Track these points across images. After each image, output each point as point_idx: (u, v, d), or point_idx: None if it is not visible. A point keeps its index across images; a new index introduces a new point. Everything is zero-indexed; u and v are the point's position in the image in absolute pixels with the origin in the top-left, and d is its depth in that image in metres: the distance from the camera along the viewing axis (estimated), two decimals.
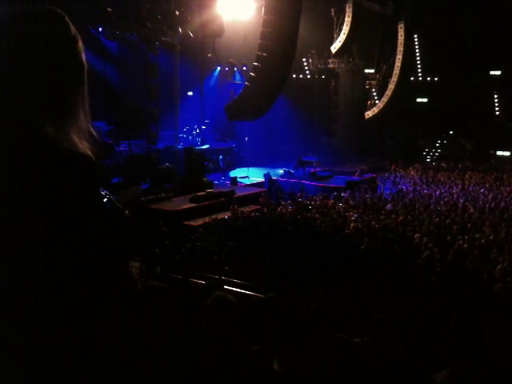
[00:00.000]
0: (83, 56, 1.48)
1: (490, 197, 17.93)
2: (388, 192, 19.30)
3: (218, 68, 25.88)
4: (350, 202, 16.80)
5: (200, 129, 23.80)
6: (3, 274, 1.27)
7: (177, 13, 18.40)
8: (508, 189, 19.87)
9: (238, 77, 25.74)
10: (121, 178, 16.64)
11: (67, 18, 1.46)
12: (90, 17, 16.10)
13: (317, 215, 14.14)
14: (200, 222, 14.63)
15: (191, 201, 16.56)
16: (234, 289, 7.81)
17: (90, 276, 1.35)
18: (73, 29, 1.46)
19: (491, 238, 11.89)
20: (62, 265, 1.30)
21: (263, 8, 17.25)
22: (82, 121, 1.45)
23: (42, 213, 1.28)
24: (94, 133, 1.48)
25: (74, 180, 1.33)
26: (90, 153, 1.40)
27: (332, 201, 17.13)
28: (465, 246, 10.92)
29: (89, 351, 1.35)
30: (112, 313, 1.48)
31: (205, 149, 22.55)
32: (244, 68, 24.49)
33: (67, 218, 1.31)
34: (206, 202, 16.63)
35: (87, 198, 1.37)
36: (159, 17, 18.06)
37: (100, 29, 17.75)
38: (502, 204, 16.44)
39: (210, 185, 18.87)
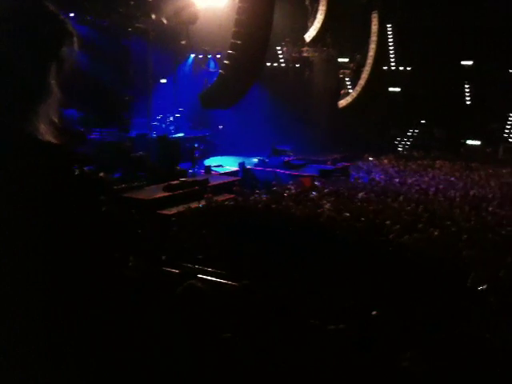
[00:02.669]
0: (64, 48, 1.45)
1: (460, 185, 18.28)
2: (361, 181, 19.49)
3: (192, 55, 25.65)
4: (325, 190, 16.93)
5: (174, 117, 23.61)
6: None
7: None
8: (477, 178, 20.28)
9: (212, 64, 25.58)
10: (92, 167, 16.42)
11: (51, 7, 1.43)
12: (61, 2, 15.74)
13: (290, 203, 14.22)
14: (174, 210, 14.56)
15: (165, 189, 16.46)
16: (209, 277, 7.82)
17: (79, 270, 1.33)
18: (58, 19, 1.43)
19: (461, 225, 12.17)
20: (50, 262, 1.28)
21: None
22: (53, 111, 1.42)
23: (21, 210, 1.26)
24: (63, 120, 1.46)
25: (51, 172, 1.31)
26: (61, 142, 1.39)
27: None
28: (435, 233, 11.13)
29: (88, 350, 1.34)
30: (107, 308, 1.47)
31: (179, 137, 22.42)
32: (218, 56, 24.35)
33: (48, 213, 1.29)
34: (179, 191, 16.54)
35: (65, 190, 1.35)
36: (132, 2, 17.79)
37: (71, 14, 17.39)
38: (472, 192, 16.79)
39: (184, 173, 18.78)
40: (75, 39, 1.48)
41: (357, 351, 3.86)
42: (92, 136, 18.97)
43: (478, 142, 30.02)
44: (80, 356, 1.31)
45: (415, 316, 6.09)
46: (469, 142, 30.30)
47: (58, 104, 1.43)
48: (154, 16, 18.61)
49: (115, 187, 15.68)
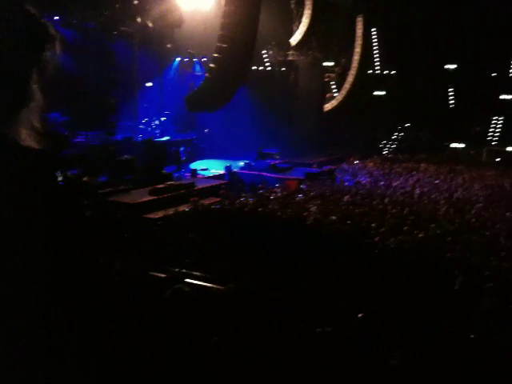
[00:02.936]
0: (46, 52, 1.43)
1: (444, 188, 18.44)
2: (346, 184, 19.58)
3: (178, 59, 25.61)
4: (312, 193, 16.97)
5: (159, 120, 23.55)
6: None
7: (135, 2, 18.11)
8: (461, 180, 20.48)
9: (197, 68, 25.59)
10: (78, 170, 16.32)
11: (33, 10, 1.40)
12: (46, 5, 15.65)
13: (276, 207, 14.23)
14: (160, 214, 14.49)
15: (150, 193, 16.38)
16: (195, 281, 7.79)
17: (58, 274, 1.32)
18: (39, 22, 1.40)
19: (446, 227, 12.27)
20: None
21: None
22: (35, 116, 1.40)
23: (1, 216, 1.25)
24: (46, 125, 1.43)
25: (32, 177, 1.30)
26: (43, 147, 1.37)
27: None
28: (420, 235, 11.22)
29: (87, 350, 1.34)
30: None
31: (165, 140, 22.36)
32: (204, 59, 24.36)
33: (27, 216, 1.28)
34: (165, 195, 16.48)
35: (46, 195, 1.34)
36: (117, 6, 17.75)
37: (56, 17, 17.28)
38: (456, 195, 16.95)
39: (170, 177, 18.73)
40: (57, 43, 1.45)
41: (349, 352, 3.87)
42: (77, 139, 18.85)
43: (462, 145, 30.37)
44: (66, 361, 1.30)
45: (403, 317, 6.13)
46: (453, 144, 30.63)
47: (40, 109, 1.41)
48: (139, 19, 18.60)
49: (100, 191, 15.58)
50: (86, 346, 1.37)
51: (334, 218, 12.94)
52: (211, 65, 18.21)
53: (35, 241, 1.28)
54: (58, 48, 1.44)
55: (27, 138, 1.35)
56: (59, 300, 1.30)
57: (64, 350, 1.28)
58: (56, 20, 17.27)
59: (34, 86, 1.39)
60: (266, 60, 29.95)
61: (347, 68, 29.20)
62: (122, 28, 19.07)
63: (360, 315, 5.29)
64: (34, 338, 1.25)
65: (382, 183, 19.61)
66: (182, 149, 22.89)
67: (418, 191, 17.58)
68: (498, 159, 27.80)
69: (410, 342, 4.85)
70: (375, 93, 33.33)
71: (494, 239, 11.43)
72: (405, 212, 13.84)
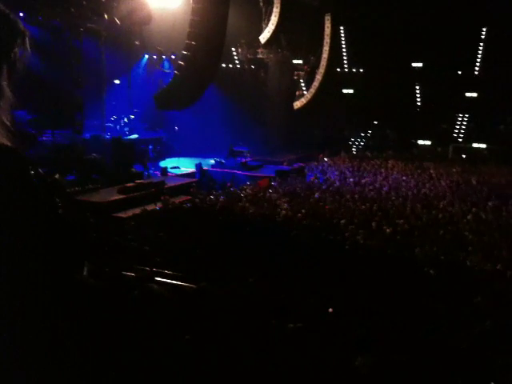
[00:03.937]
0: (16, 49, 1.40)
1: (411, 184, 18.75)
2: (317, 181, 19.73)
3: (146, 56, 25.36)
4: (282, 190, 17.07)
5: (128, 118, 23.29)
6: None
7: None
8: (428, 177, 20.86)
9: (166, 65, 25.38)
10: (44, 170, 16.00)
11: (1, 7, 1.38)
12: (11, 2, 15.27)
13: (247, 204, 14.27)
14: (130, 213, 14.36)
15: (120, 192, 16.19)
16: (166, 280, 7.75)
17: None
18: (9, 18, 1.38)
19: (413, 223, 12.50)
20: None
21: None
22: (5, 113, 1.38)
23: None
24: (15, 123, 1.42)
25: (7, 175, 1.28)
26: (11, 145, 1.35)
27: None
28: (387, 230, 11.40)
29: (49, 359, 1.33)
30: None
31: (133, 139, 22.13)
32: (173, 56, 24.18)
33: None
34: (135, 193, 16.32)
35: (22, 193, 1.32)
36: (84, 2, 17.45)
37: (21, 14, 16.88)
38: (423, 191, 17.26)
39: (140, 175, 18.56)
40: (27, 39, 1.44)
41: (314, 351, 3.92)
42: (44, 138, 18.49)
43: (428, 142, 30.91)
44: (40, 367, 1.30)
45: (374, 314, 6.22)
46: (420, 142, 31.14)
47: (10, 106, 1.39)
48: (106, 16, 18.32)
49: (69, 190, 15.33)
50: (58, 349, 1.36)
51: (304, 214, 13.04)
52: (180, 62, 18.08)
53: (13, 239, 1.27)
54: (27, 45, 1.42)
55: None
56: (37, 301, 1.29)
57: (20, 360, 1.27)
58: (21, 17, 16.87)
59: (4, 83, 1.37)
60: (235, 58, 29.90)
61: (316, 66, 29.38)
62: (89, 25, 18.76)
63: (330, 310, 5.37)
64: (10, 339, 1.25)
65: (351, 180, 19.83)
66: (150, 147, 22.68)
67: (386, 188, 17.84)
68: (464, 156, 28.42)
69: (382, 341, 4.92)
70: (343, 91, 33.64)
71: (460, 234, 11.70)
72: (374, 208, 14.03)
